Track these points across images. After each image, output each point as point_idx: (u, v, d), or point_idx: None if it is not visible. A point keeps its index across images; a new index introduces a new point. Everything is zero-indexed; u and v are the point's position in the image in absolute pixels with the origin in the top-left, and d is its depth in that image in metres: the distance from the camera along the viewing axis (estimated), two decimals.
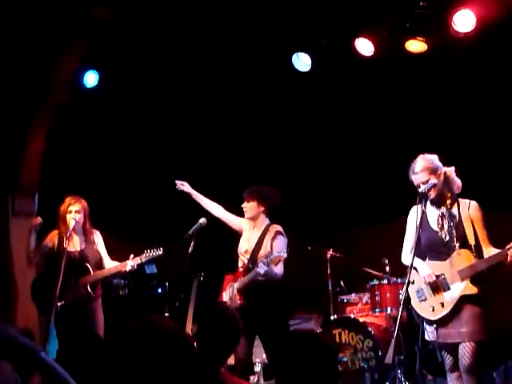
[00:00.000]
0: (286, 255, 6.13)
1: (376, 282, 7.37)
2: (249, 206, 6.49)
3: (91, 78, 8.15)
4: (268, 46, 8.10)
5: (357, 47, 7.55)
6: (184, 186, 6.82)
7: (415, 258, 5.26)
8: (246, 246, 6.51)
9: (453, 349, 5.22)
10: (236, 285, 6.37)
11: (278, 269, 6.21)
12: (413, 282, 5.33)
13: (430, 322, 5.29)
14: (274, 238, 6.38)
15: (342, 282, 8.09)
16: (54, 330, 6.57)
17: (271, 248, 6.34)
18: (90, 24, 7.12)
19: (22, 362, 3.44)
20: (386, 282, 7.30)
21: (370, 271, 7.61)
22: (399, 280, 7.18)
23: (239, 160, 9.60)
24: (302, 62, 7.97)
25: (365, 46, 7.54)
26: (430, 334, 5.33)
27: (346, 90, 8.88)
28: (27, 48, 7.38)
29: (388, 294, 7.28)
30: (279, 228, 6.47)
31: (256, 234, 6.49)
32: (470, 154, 7.89)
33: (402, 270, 7.06)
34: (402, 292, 5.91)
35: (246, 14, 7.72)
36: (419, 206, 5.23)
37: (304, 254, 8.12)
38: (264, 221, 6.53)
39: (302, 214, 9.69)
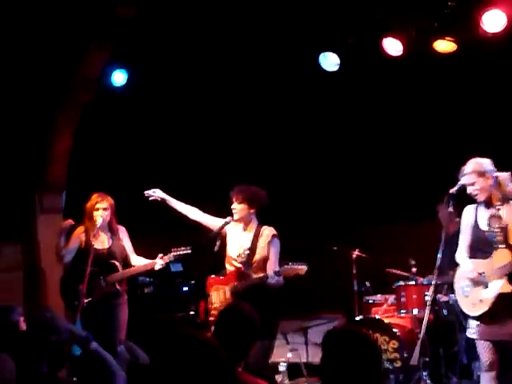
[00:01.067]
0: (306, 268, 5.94)
1: (402, 283, 7.31)
2: (239, 208, 6.24)
3: (119, 77, 8.19)
4: (295, 45, 8.09)
5: (384, 47, 7.51)
6: (155, 193, 6.60)
7: (464, 254, 5.47)
8: (237, 249, 6.28)
9: (495, 347, 5.29)
10: (229, 288, 6.18)
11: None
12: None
13: (474, 319, 5.38)
14: (270, 242, 6.17)
15: (367, 283, 8.03)
16: (81, 325, 6.62)
17: (268, 252, 6.15)
18: (116, 22, 7.15)
19: (54, 354, 3.47)
20: (411, 283, 7.24)
21: (396, 272, 7.58)
22: (425, 281, 7.13)
23: (263, 159, 9.60)
24: (329, 61, 7.94)
25: (393, 46, 7.50)
26: (472, 330, 5.40)
27: (374, 90, 8.85)
28: (53, 46, 7.44)
29: (414, 296, 7.20)
30: (274, 231, 6.24)
31: (247, 237, 6.27)
32: (497, 152, 7.82)
33: (428, 271, 7.05)
34: (429, 293, 5.92)
35: (273, 14, 7.72)
36: (449, 206, 5.34)
37: (329, 254, 8.10)
38: (254, 223, 6.30)
39: (326, 214, 9.67)
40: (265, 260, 6.18)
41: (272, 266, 6.10)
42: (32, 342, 3.53)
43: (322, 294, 9.01)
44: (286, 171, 9.41)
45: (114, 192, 6.97)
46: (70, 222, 6.81)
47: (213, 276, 6.42)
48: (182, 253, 6.78)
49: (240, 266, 6.24)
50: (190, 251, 6.76)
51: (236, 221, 6.32)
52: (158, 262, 6.77)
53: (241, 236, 6.34)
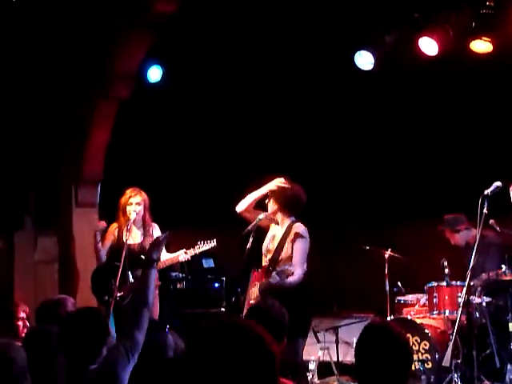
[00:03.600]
0: (298, 270, 5.83)
1: (434, 283, 7.27)
2: (269, 205, 6.22)
3: (155, 73, 8.24)
4: (331, 43, 8.10)
5: (421, 46, 7.47)
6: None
7: None
8: (269, 244, 6.24)
9: None
10: (258, 285, 6.12)
11: (296, 275, 5.88)
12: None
13: None
14: (293, 241, 6.04)
15: (399, 283, 8.00)
16: (113, 319, 6.67)
17: (291, 251, 6.04)
18: (155, 18, 7.18)
19: None
20: (444, 284, 7.20)
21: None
22: (458, 282, 7.08)
23: (298, 156, 9.62)
24: (364, 60, 7.91)
25: (429, 45, 7.45)
26: None
27: (408, 89, 8.81)
28: (91, 42, 7.51)
29: (446, 297, 7.16)
30: (300, 229, 6.07)
31: (280, 233, 6.20)
32: None
33: (461, 272, 7.00)
34: (462, 295, 5.88)
35: (310, 11, 7.73)
36: (483, 207, 5.27)
37: (361, 253, 8.08)
38: (286, 219, 6.17)
39: (359, 213, 9.65)
40: (290, 258, 6.07)
41: (296, 267, 5.92)
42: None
43: (354, 294, 9.00)
44: (321, 169, 9.40)
45: (148, 188, 7.03)
46: (104, 224, 6.88)
47: (257, 270, 6.39)
48: (206, 247, 6.80)
49: (267, 263, 6.20)
50: (215, 244, 6.78)
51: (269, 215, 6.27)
52: (181, 255, 6.81)
53: (275, 232, 6.32)
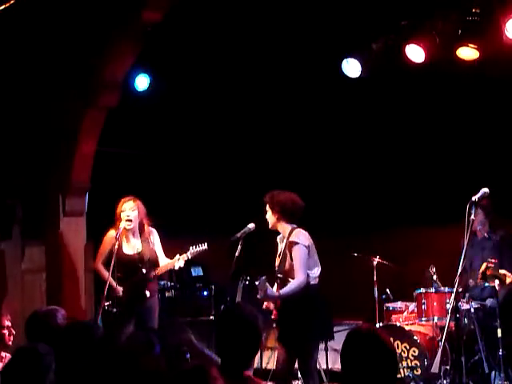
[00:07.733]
0: (299, 276, 5.92)
1: (423, 290, 7.28)
2: (267, 216, 6.22)
3: (142, 82, 8.23)
4: (318, 51, 8.12)
5: (407, 54, 7.50)
6: None
7: None
8: (277, 259, 6.30)
9: None
10: None
11: (297, 281, 5.96)
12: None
13: None
14: (290, 250, 6.08)
15: (387, 290, 8.00)
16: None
17: (291, 260, 6.07)
18: (142, 26, 7.20)
19: None
20: (432, 290, 7.21)
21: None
22: (446, 289, 7.09)
23: (287, 163, 9.63)
24: (351, 67, 7.93)
25: (416, 53, 7.48)
26: None
27: (395, 97, 8.84)
28: (78, 50, 7.51)
29: (435, 303, 7.18)
30: (293, 238, 6.08)
31: (283, 245, 6.23)
32: None
33: (449, 278, 7.02)
34: (450, 301, 5.89)
35: (296, 19, 7.76)
36: (470, 213, 5.26)
37: (349, 260, 8.09)
38: (286, 229, 6.18)
39: (347, 219, 9.65)
40: (293, 266, 6.10)
41: (297, 274, 6.01)
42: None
43: (343, 301, 8.98)
44: (308, 177, 9.40)
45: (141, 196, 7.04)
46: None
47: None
48: (199, 249, 6.81)
49: (279, 273, 6.21)
50: (206, 247, 6.79)
51: (271, 229, 6.28)
52: (178, 261, 6.80)
53: (280, 244, 6.33)
